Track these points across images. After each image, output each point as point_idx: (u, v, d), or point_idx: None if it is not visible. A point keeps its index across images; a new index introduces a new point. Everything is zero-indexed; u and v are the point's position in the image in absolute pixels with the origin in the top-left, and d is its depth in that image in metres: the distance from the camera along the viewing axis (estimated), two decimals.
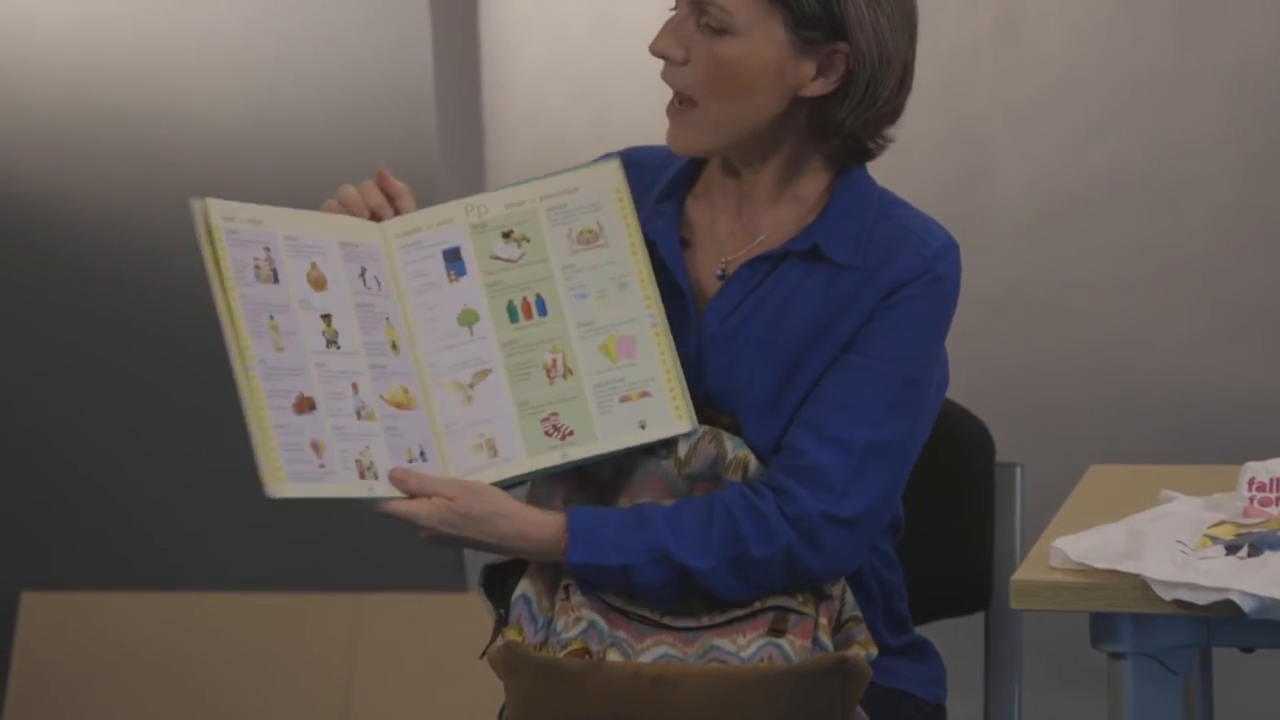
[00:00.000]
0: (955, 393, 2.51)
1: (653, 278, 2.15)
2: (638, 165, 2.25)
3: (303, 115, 4.07)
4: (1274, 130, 3.72)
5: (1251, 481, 2.03)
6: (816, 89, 2.11)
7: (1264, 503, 2.02)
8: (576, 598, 2.07)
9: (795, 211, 2.18)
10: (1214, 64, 3.73)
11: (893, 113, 2.16)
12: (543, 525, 2.09)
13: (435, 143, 4.03)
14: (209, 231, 2.05)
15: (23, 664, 4.23)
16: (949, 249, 2.15)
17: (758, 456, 2.12)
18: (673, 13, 2.13)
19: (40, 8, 4.17)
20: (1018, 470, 2.46)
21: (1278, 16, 3.70)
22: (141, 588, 4.23)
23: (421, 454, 2.08)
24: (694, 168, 2.23)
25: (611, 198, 2.17)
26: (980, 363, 3.83)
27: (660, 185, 2.23)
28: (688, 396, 2.12)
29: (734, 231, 2.20)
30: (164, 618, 4.19)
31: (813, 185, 2.18)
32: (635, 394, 2.12)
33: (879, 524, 2.13)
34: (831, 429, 2.09)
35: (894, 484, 2.13)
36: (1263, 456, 2.07)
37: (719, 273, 2.19)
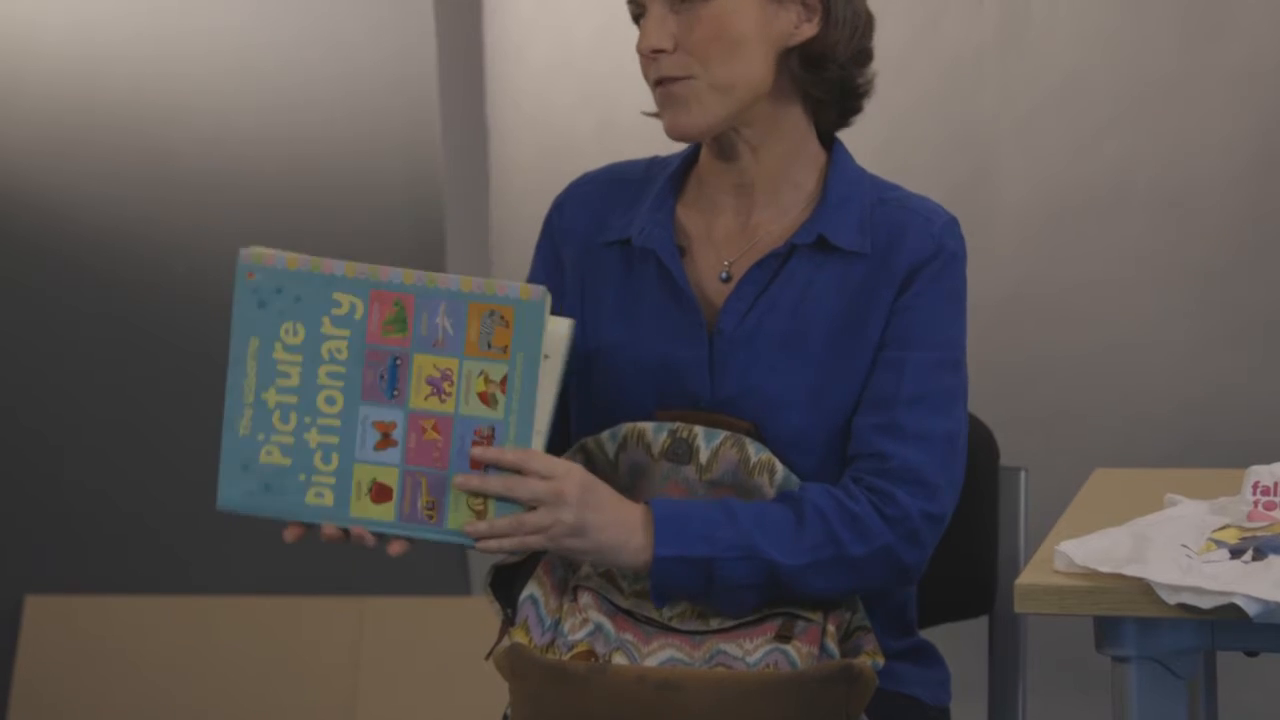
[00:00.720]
0: None
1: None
2: (617, 181, 2.27)
3: (307, 118, 4.08)
4: None
5: (1256, 485, 2.03)
6: (805, 33, 2.15)
7: (1269, 506, 2.02)
8: (584, 599, 2.07)
9: (794, 201, 2.19)
10: (1220, 67, 3.73)
11: (867, 51, 2.21)
12: (632, 509, 2.07)
13: (439, 146, 4.03)
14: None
15: (26, 667, 4.24)
16: (952, 224, 2.18)
17: (781, 459, 2.12)
18: (639, 17, 2.15)
19: (45, 11, 4.18)
20: (1022, 474, 2.45)
21: None
22: (145, 591, 4.24)
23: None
24: (680, 176, 2.24)
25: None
26: (985, 366, 3.82)
27: (648, 197, 2.23)
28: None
29: (732, 234, 2.20)
30: (168, 621, 4.19)
31: (809, 172, 2.20)
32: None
33: (951, 513, 2.15)
34: (910, 426, 2.10)
35: (963, 472, 2.15)
36: (1268, 460, 2.07)
37: (723, 275, 2.19)
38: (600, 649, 2.04)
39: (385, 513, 2.06)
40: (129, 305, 4.22)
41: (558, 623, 2.08)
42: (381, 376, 2.06)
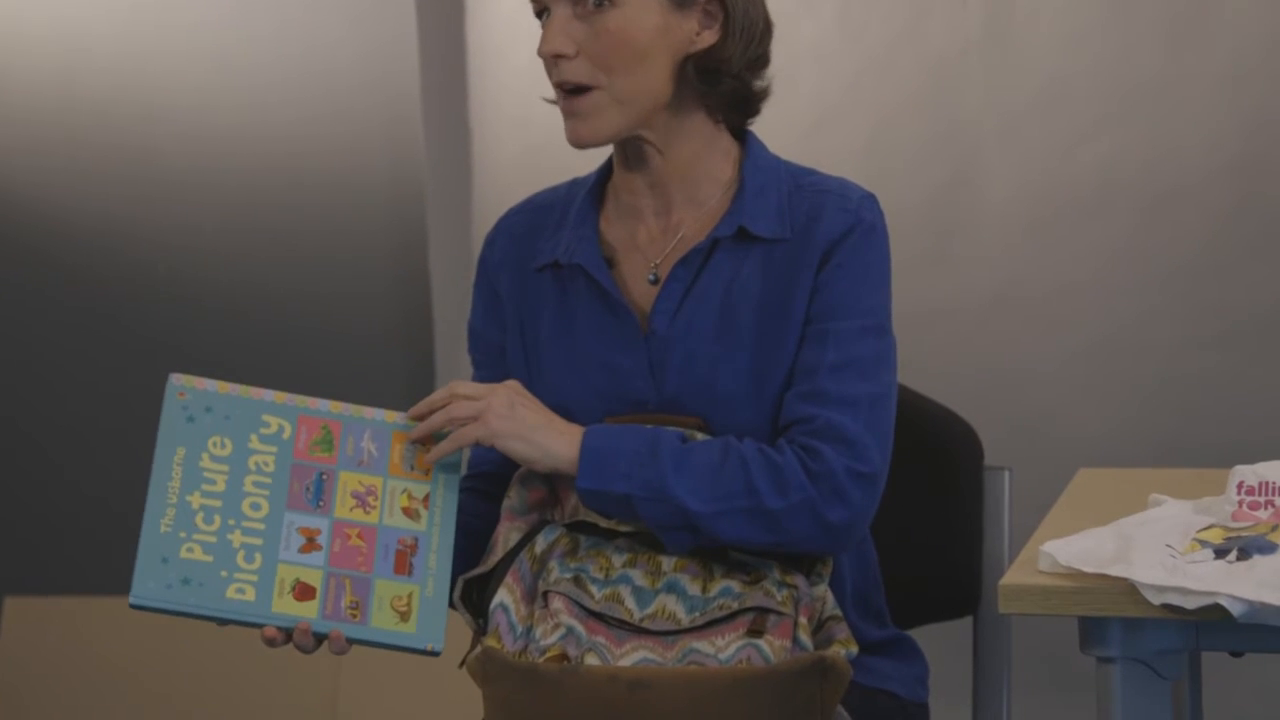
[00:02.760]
0: (944, 396, 2.51)
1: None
2: (541, 208, 2.30)
3: (287, 116, 4.07)
4: (1264, 134, 3.72)
5: (1240, 485, 2.02)
6: (706, 40, 2.16)
7: (1253, 506, 2.01)
8: (555, 605, 2.07)
9: (711, 193, 2.21)
10: (1204, 68, 3.73)
11: (767, 56, 2.22)
12: (570, 432, 2.12)
13: (421, 145, 4.02)
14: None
15: (5, 669, 4.23)
16: (868, 199, 2.20)
17: None
18: (542, 19, 2.17)
19: (24, 7, 4.17)
20: (1006, 474, 2.45)
21: (1268, 20, 3.71)
22: (126, 592, 4.22)
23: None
24: (598, 191, 2.27)
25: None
26: (969, 366, 3.83)
27: (570, 215, 2.25)
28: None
29: (654, 236, 2.23)
30: (148, 622, 4.18)
31: (723, 164, 2.22)
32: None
33: (886, 475, 2.15)
34: (833, 392, 2.12)
35: (891, 433, 2.16)
36: (1252, 460, 2.06)
37: (651, 278, 2.21)
38: (572, 652, 2.04)
39: (308, 610, 2.08)
40: (108, 305, 4.21)
41: (529, 629, 2.08)
42: (307, 488, 2.12)
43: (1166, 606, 1.84)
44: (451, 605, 2.16)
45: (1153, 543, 1.93)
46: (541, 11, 2.18)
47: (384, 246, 4.07)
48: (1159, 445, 3.72)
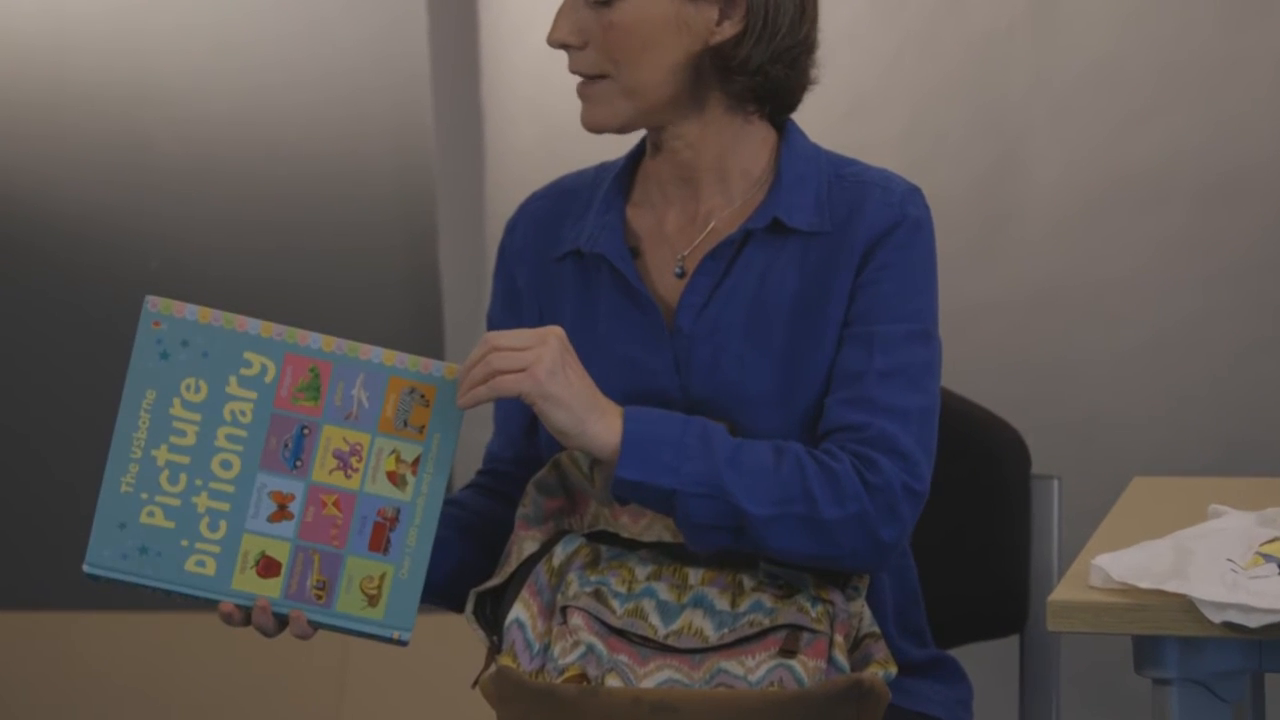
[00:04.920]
0: (988, 400, 2.51)
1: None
2: (566, 193, 2.30)
3: (289, 99, 4.07)
4: None
5: None
6: (726, 31, 2.16)
7: None
8: (574, 621, 2.07)
9: (743, 187, 2.21)
10: (1266, 45, 3.73)
11: (804, 43, 2.20)
12: (611, 413, 2.08)
13: (431, 131, 4.03)
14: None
15: None
16: (913, 193, 2.19)
17: None
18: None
19: None
20: (1055, 483, 2.46)
21: None
22: (121, 607, 4.23)
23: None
24: (627, 177, 2.27)
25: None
26: (1015, 367, 3.83)
27: (597, 201, 2.25)
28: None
29: (683, 227, 2.23)
30: (149, 637, 4.19)
31: (757, 156, 2.22)
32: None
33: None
34: (882, 401, 2.11)
35: (935, 448, 2.16)
36: None
37: (678, 271, 2.21)
38: (592, 672, 2.04)
39: (270, 588, 2.06)
40: (95, 302, 4.21)
41: (547, 647, 2.08)
42: (285, 445, 2.07)
43: (1227, 625, 1.84)
44: (455, 607, 2.16)
45: (1212, 557, 1.93)
46: None
47: (391, 239, 4.08)
48: (1219, 452, 3.72)
